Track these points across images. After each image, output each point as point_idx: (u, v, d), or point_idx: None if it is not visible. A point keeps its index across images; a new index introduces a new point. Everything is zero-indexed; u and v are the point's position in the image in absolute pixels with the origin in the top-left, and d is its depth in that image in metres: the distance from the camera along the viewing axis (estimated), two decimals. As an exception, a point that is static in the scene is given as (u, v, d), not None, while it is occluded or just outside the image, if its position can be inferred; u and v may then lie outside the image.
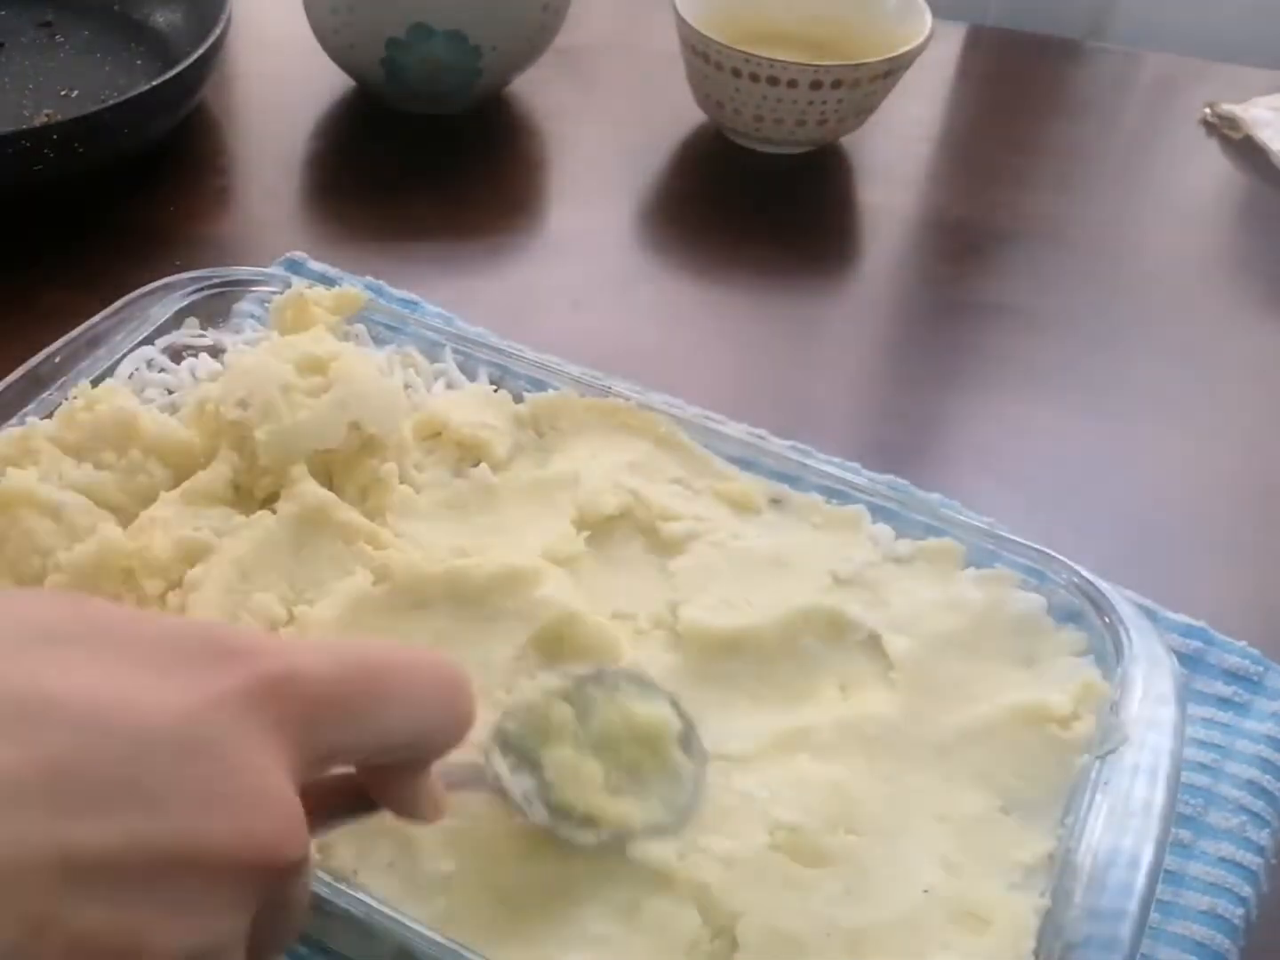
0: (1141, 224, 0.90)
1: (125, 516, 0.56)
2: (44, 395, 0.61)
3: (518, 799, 0.44)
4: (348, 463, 0.58)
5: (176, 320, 0.66)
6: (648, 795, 0.45)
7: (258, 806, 0.31)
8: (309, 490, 0.55)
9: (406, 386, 0.64)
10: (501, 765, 0.43)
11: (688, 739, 0.46)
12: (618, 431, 0.62)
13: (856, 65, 0.84)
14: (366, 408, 0.58)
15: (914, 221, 0.90)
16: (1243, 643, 0.60)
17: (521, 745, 0.44)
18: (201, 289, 0.67)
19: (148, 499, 0.57)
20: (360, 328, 0.67)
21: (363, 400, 0.58)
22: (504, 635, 0.52)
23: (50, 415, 0.60)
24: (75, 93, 0.92)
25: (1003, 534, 0.57)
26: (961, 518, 0.59)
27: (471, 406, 0.62)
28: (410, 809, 0.39)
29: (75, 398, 0.59)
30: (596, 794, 0.44)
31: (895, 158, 0.95)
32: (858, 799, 0.48)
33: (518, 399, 0.63)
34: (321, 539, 0.55)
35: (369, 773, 0.37)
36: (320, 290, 0.65)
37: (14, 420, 0.60)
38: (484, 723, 0.42)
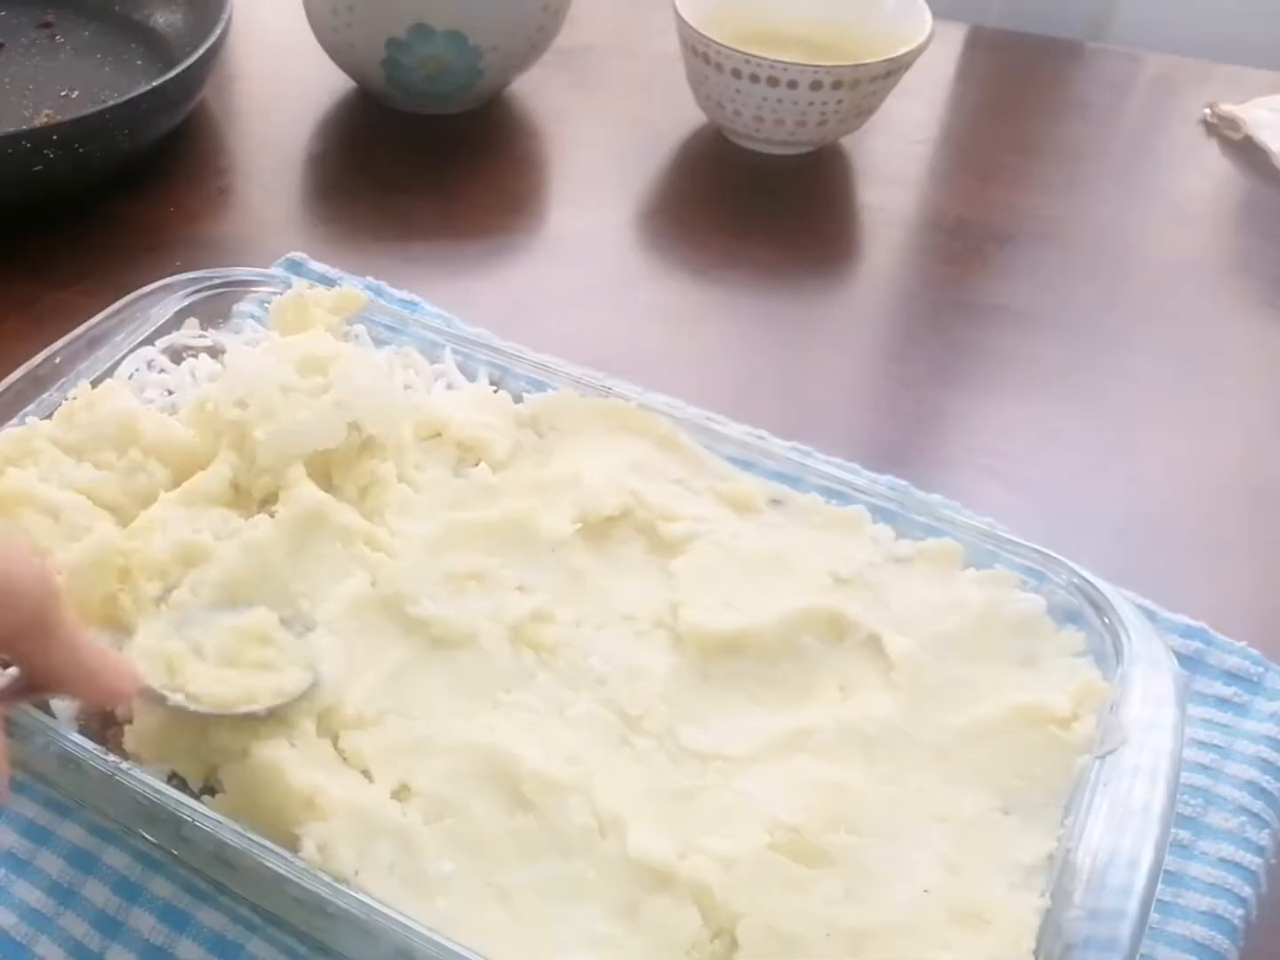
0: (1141, 224, 0.90)
1: (124, 516, 0.56)
2: (44, 395, 0.61)
3: (178, 701, 0.49)
4: (347, 463, 0.58)
5: (176, 321, 0.66)
6: (279, 667, 0.51)
7: None
8: (307, 492, 0.55)
9: (406, 387, 0.64)
10: (169, 692, 0.49)
11: (287, 622, 0.52)
12: (618, 432, 0.62)
13: (856, 66, 0.84)
14: (366, 408, 0.58)
15: (914, 222, 0.90)
16: (1243, 643, 0.60)
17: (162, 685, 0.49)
18: (201, 289, 0.67)
19: (147, 499, 0.57)
20: (360, 328, 0.67)
21: (362, 400, 0.58)
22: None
23: (50, 415, 0.60)
24: (75, 93, 0.92)
25: (1003, 534, 0.57)
26: (961, 518, 0.59)
27: (471, 406, 0.62)
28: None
29: (75, 398, 0.59)
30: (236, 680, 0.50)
31: (895, 158, 0.95)
32: (857, 799, 0.48)
33: (518, 399, 0.63)
34: (320, 541, 0.55)
35: None
36: (320, 290, 0.65)
37: (14, 420, 0.60)
38: None
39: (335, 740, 0.50)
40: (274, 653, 0.51)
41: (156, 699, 0.49)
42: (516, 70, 0.94)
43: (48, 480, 0.56)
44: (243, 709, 0.49)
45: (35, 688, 0.46)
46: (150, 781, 0.48)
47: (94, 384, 0.60)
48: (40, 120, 0.89)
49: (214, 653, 0.50)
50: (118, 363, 0.64)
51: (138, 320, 0.65)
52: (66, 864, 0.51)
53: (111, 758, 0.49)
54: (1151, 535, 0.68)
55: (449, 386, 0.65)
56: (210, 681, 0.49)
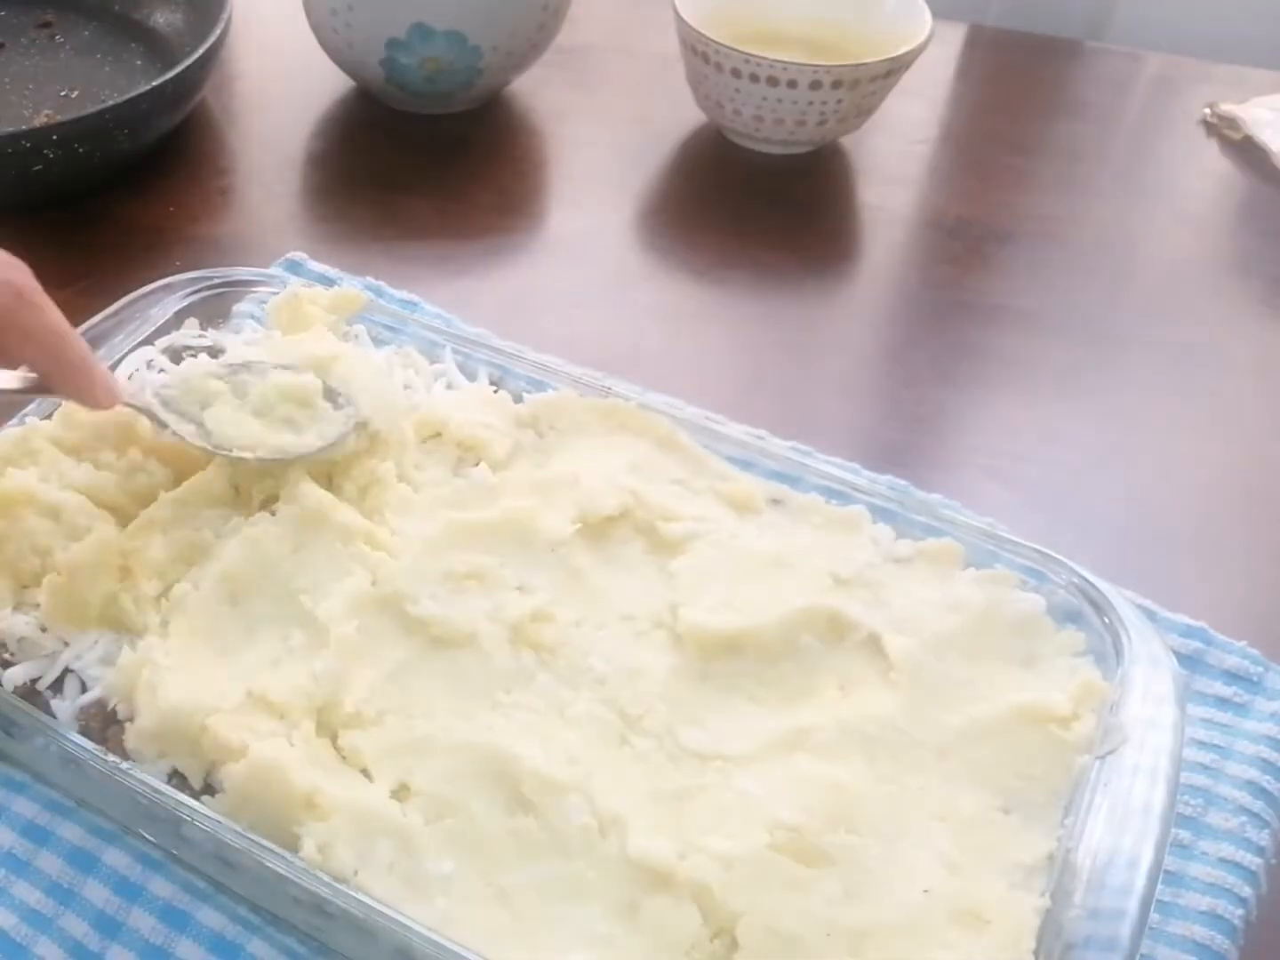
0: (1141, 224, 0.90)
1: (124, 516, 0.56)
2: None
3: (177, 429, 0.55)
4: (348, 462, 0.58)
5: (176, 321, 0.66)
6: (303, 432, 0.57)
7: None
8: (307, 491, 0.55)
9: (406, 386, 0.64)
10: (160, 408, 0.55)
11: (333, 395, 0.58)
12: (618, 432, 0.62)
13: (856, 65, 0.84)
14: (369, 407, 0.58)
15: (914, 221, 0.90)
16: (1242, 643, 0.60)
17: (180, 408, 0.56)
18: (201, 290, 0.67)
19: (147, 499, 0.57)
20: (360, 328, 0.67)
21: (366, 398, 0.59)
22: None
23: (50, 416, 0.60)
24: (75, 93, 0.92)
25: (1003, 534, 0.57)
26: (961, 518, 0.59)
27: (471, 406, 0.62)
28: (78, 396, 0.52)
29: None
30: (253, 430, 0.56)
31: (895, 158, 0.95)
32: (858, 799, 0.48)
33: (518, 399, 0.63)
34: (320, 540, 0.55)
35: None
36: (319, 290, 0.65)
37: (14, 420, 0.60)
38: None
39: (335, 740, 0.50)
40: (307, 415, 0.56)
41: (154, 419, 0.54)
42: (516, 70, 0.94)
43: (48, 480, 0.56)
44: (237, 453, 0.55)
45: (42, 387, 0.51)
46: (150, 781, 0.48)
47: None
48: (40, 120, 0.89)
49: (254, 399, 0.56)
50: (117, 363, 0.64)
51: (137, 320, 0.65)
52: (66, 864, 0.51)
53: (111, 757, 0.49)
54: (1151, 535, 0.68)
55: (449, 386, 0.65)
56: (225, 424, 0.55)
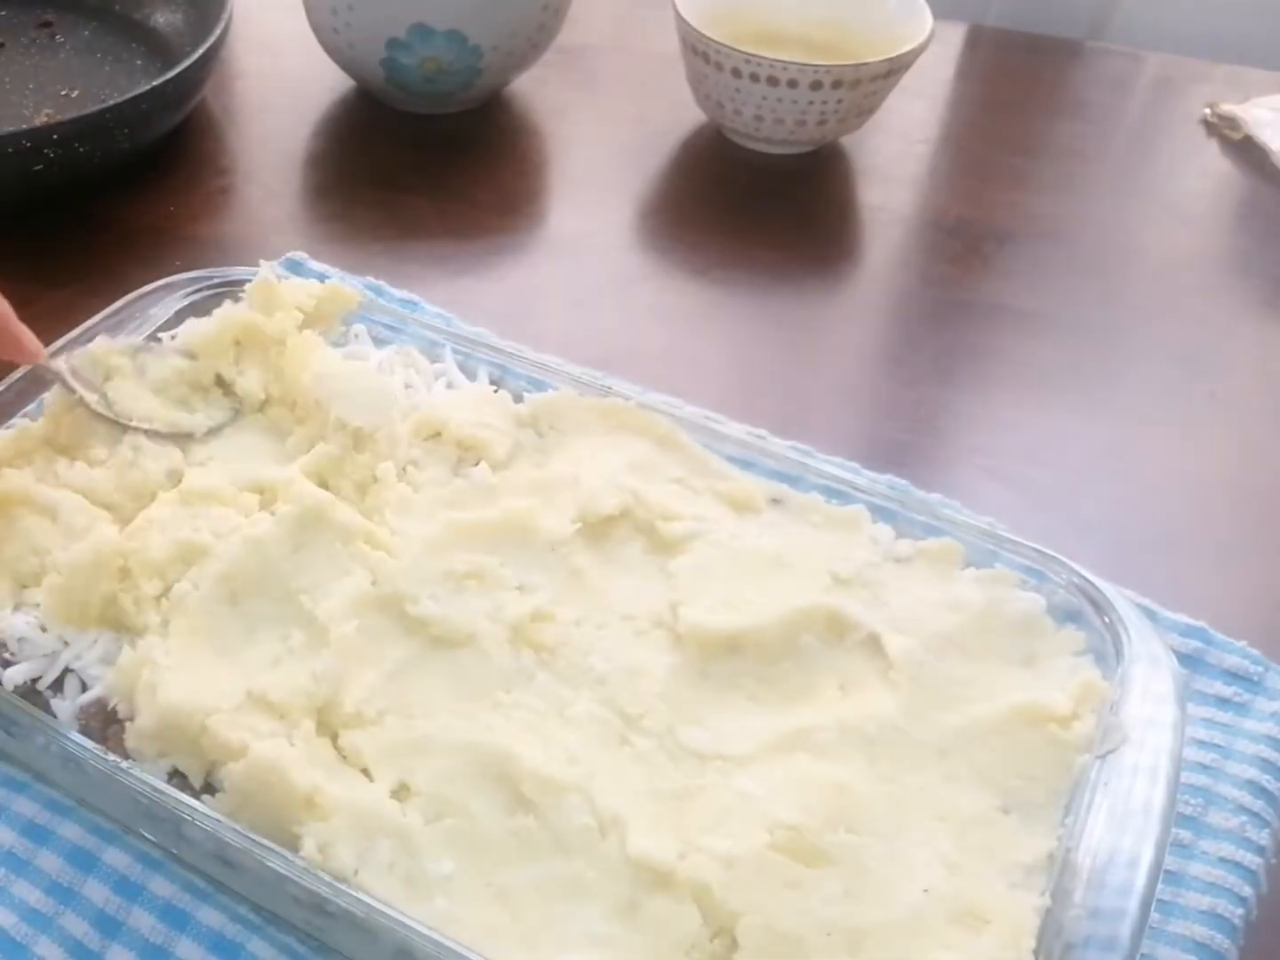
0: (1142, 224, 0.90)
1: (122, 515, 0.57)
2: (44, 395, 0.61)
3: (84, 395, 0.59)
4: (339, 462, 0.58)
5: (176, 320, 0.66)
6: (194, 412, 0.62)
7: None
8: (307, 490, 0.56)
9: (407, 386, 0.64)
10: (69, 375, 0.60)
11: (223, 382, 0.62)
12: (618, 431, 0.62)
13: (857, 65, 0.84)
14: (352, 404, 0.59)
15: (914, 221, 0.90)
16: (1243, 643, 0.60)
17: (86, 378, 0.60)
18: (201, 289, 0.67)
19: (143, 494, 0.57)
20: (360, 327, 0.67)
21: (348, 397, 0.59)
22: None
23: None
24: (75, 93, 0.92)
25: (1003, 534, 0.57)
26: (961, 518, 0.59)
27: (471, 406, 0.62)
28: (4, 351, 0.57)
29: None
30: (150, 405, 0.61)
31: (895, 158, 0.95)
32: (857, 799, 0.48)
33: (518, 399, 0.63)
34: (320, 539, 0.55)
35: None
36: (312, 284, 0.65)
37: (14, 420, 0.60)
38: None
39: (335, 739, 0.50)
40: (199, 399, 0.62)
41: (63, 384, 0.59)
42: (516, 70, 0.94)
43: (43, 480, 0.56)
44: (137, 423, 0.59)
45: None
46: (150, 780, 0.48)
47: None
48: (40, 120, 0.89)
49: (152, 378, 0.61)
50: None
51: (137, 320, 0.65)
52: (66, 864, 0.51)
53: (111, 757, 0.49)
54: (1151, 535, 0.68)
55: (449, 386, 0.65)
56: (126, 397, 0.60)
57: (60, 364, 0.60)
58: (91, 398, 0.59)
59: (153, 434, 0.60)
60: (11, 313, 0.56)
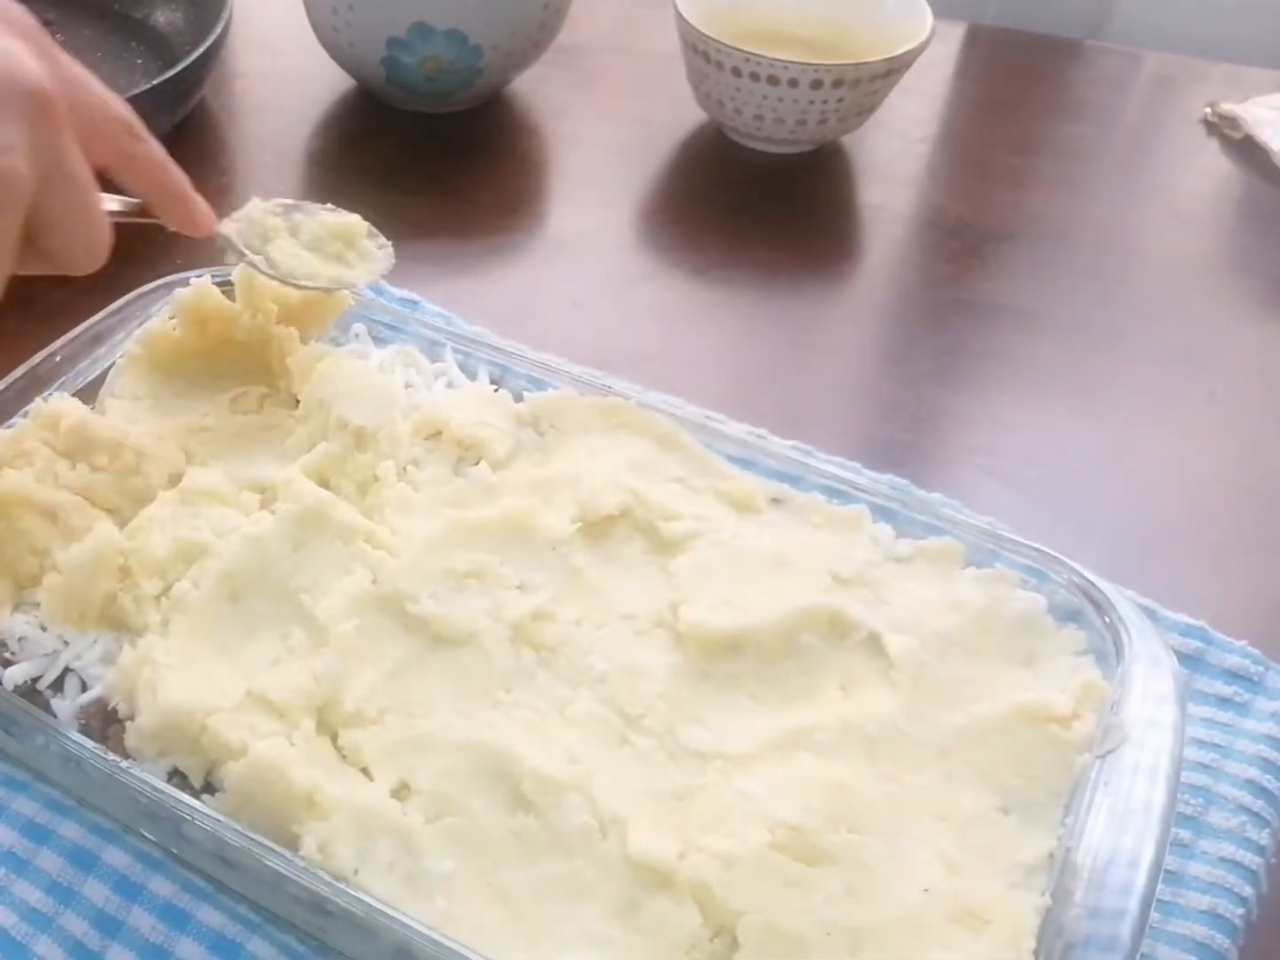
0: (1141, 224, 0.90)
1: (121, 518, 0.57)
2: (44, 394, 0.61)
3: (252, 259, 0.60)
4: (340, 462, 0.58)
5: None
6: (352, 267, 0.62)
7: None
8: (307, 489, 0.56)
9: (407, 385, 0.64)
10: (236, 239, 0.60)
11: (374, 234, 0.63)
12: (618, 431, 0.62)
13: (857, 65, 0.84)
14: (354, 403, 0.58)
15: (914, 221, 0.90)
16: (1243, 642, 0.60)
17: (247, 241, 0.60)
18: (201, 289, 0.67)
19: (144, 500, 0.57)
20: (361, 327, 0.67)
21: (350, 396, 0.59)
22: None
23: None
24: (75, 92, 0.92)
25: (1003, 534, 0.57)
26: (961, 517, 0.59)
27: (471, 406, 0.62)
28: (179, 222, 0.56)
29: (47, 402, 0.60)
30: (310, 262, 0.61)
31: (895, 158, 0.95)
32: (858, 798, 0.48)
33: (518, 399, 0.63)
34: (320, 538, 0.55)
35: None
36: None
37: (15, 420, 0.60)
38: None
39: (335, 738, 0.50)
40: (353, 254, 0.62)
41: (233, 249, 0.59)
42: (517, 69, 0.94)
43: (43, 481, 0.56)
44: (304, 282, 0.60)
45: (145, 212, 0.55)
46: (150, 780, 0.48)
47: (93, 384, 0.60)
48: (40, 119, 0.88)
49: (306, 236, 0.61)
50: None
51: (138, 319, 0.65)
52: (66, 863, 0.51)
53: (111, 756, 0.49)
54: (1151, 535, 0.68)
55: (449, 385, 0.65)
56: (287, 256, 0.60)
57: (229, 229, 0.60)
58: (257, 259, 0.60)
59: (319, 290, 0.61)
60: (186, 184, 0.56)
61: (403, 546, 0.55)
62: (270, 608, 0.53)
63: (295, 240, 0.61)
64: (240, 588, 0.53)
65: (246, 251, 0.60)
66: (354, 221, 0.63)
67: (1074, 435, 0.73)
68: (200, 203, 0.57)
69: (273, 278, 0.60)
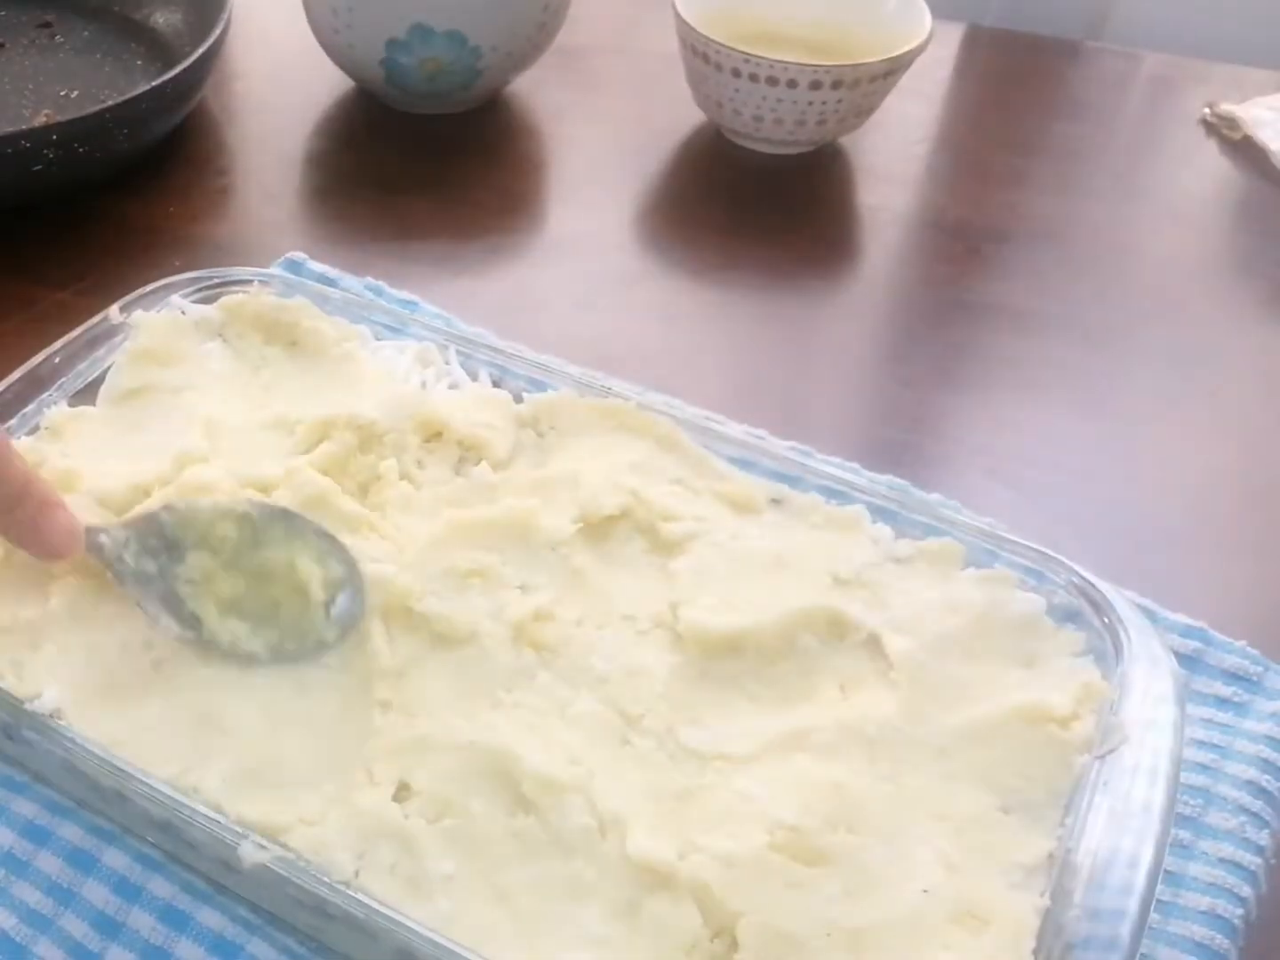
0: (1141, 224, 0.90)
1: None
2: (44, 395, 0.61)
3: (128, 582, 0.49)
4: (344, 462, 0.58)
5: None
6: (273, 629, 0.50)
7: None
8: (308, 479, 0.55)
9: (423, 385, 0.64)
10: (125, 547, 0.50)
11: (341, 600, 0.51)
12: (618, 431, 0.62)
13: (856, 65, 0.84)
14: (367, 400, 0.59)
15: (914, 222, 0.90)
16: (1242, 643, 0.60)
17: (174, 537, 0.51)
18: (201, 289, 0.67)
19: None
20: (361, 328, 0.67)
21: (361, 397, 0.59)
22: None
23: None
24: (75, 93, 0.92)
25: (1003, 534, 0.57)
26: (961, 518, 0.59)
27: (472, 406, 0.62)
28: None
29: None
30: (210, 602, 0.50)
31: (895, 158, 0.95)
32: (857, 799, 0.48)
33: (518, 399, 0.63)
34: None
35: None
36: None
37: (14, 420, 0.60)
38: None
39: (335, 740, 0.50)
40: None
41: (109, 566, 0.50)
42: (516, 70, 0.94)
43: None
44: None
45: None
46: (150, 781, 0.48)
47: (92, 384, 0.60)
48: (39, 120, 0.89)
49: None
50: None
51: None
52: (66, 864, 0.51)
53: (111, 757, 0.49)
54: (1151, 535, 0.68)
55: (451, 386, 0.65)
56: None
57: (120, 541, 0.51)
58: (129, 572, 0.50)
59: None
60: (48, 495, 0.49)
61: (404, 545, 0.55)
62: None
63: (240, 554, 0.50)
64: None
65: (121, 557, 0.49)
66: (313, 578, 0.51)
67: (1074, 435, 0.73)
68: (70, 523, 0.49)
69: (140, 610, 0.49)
